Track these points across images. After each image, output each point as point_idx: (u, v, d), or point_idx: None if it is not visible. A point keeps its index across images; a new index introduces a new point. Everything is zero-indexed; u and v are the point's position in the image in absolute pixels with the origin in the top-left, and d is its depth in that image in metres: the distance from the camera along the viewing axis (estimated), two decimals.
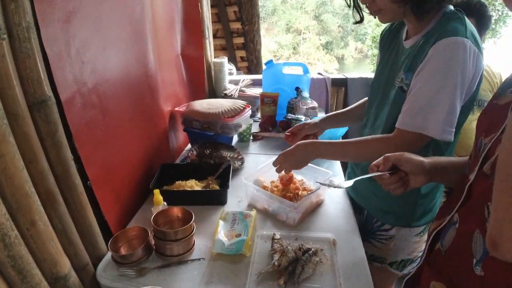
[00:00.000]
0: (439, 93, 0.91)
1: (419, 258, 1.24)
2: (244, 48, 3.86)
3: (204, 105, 1.63)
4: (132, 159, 1.25)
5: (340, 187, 0.91)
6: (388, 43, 1.19)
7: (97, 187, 0.99)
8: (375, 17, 1.08)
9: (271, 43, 19.35)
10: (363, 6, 1.08)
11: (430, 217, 1.17)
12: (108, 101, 1.07)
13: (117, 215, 1.12)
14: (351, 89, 2.57)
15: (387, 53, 1.18)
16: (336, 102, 2.64)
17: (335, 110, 2.66)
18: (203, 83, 2.19)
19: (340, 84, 2.57)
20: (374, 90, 1.22)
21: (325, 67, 18.63)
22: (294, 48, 19.83)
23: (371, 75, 2.61)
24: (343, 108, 2.62)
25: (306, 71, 2.10)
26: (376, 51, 12.69)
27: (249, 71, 4.00)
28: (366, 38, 17.94)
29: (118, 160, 1.14)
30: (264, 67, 2.21)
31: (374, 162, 0.84)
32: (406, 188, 0.82)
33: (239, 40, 3.81)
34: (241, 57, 3.99)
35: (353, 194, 1.33)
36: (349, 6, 1.13)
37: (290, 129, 1.37)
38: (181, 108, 1.68)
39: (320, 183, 0.99)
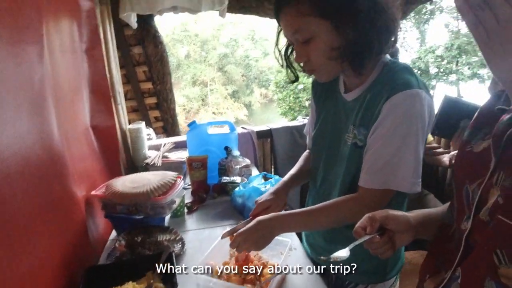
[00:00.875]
0: (403, 148, 0.89)
1: None
2: (158, 107, 3.68)
3: (127, 183, 1.39)
4: (44, 269, 0.95)
5: (342, 259, 0.75)
6: (324, 94, 1.16)
7: None
8: (310, 76, 1.05)
9: (179, 97, 19.38)
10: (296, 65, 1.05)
11: (400, 264, 1.14)
12: (3, 196, 0.80)
13: None
14: (276, 139, 2.58)
15: (324, 105, 1.15)
16: (264, 154, 2.60)
17: (264, 162, 2.65)
18: (118, 155, 1.94)
19: (265, 135, 2.57)
20: (318, 144, 1.17)
21: (235, 115, 19.28)
22: (202, 100, 20.18)
23: (293, 123, 2.67)
24: (272, 159, 2.64)
25: (232, 128, 2.01)
26: (280, 95, 13.58)
27: (165, 131, 3.80)
28: (269, 84, 19.20)
29: (24, 275, 0.84)
30: (182, 126, 2.07)
31: (359, 224, 0.75)
32: (394, 249, 0.74)
33: (151, 100, 3.63)
34: (155, 117, 3.78)
35: (318, 259, 1.21)
36: (282, 66, 1.09)
37: (253, 212, 1.16)
38: (99, 191, 1.41)
39: (323, 260, 0.81)
